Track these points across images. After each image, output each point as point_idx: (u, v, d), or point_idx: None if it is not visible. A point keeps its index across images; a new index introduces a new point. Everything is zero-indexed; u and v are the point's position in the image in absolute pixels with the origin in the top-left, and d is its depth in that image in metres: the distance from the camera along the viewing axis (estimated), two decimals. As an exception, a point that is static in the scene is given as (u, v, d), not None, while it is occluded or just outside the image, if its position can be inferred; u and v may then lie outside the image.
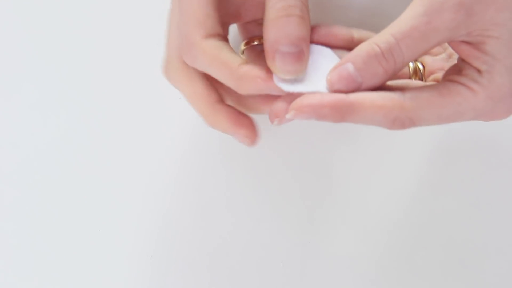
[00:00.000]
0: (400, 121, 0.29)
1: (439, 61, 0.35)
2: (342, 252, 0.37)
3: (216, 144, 0.38)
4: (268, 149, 0.38)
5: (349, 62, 0.28)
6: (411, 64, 0.35)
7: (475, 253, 0.37)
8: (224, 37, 0.31)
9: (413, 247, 0.37)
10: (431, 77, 0.35)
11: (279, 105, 0.29)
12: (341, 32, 0.34)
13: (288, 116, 0.29)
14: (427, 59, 0.35)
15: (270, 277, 0.37)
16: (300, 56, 0.29)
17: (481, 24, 0.27)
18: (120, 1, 0.41)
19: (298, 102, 0.28)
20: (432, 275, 0.37)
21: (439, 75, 0.34)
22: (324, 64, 0.31)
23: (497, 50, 0.28)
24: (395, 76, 0.30)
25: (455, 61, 0.31)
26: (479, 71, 0.29)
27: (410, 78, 0.35)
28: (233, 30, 0.34)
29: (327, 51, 0.32)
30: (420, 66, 0.35)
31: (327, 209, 0.38)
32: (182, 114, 0.39)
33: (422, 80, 0.35)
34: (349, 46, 0.34)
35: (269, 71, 0.29)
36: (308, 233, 0.37)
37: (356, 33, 0.35)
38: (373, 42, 0.28)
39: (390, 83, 0.32)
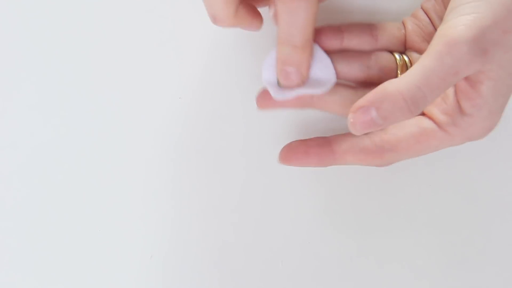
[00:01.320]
0: (381, 165, 0.33)
1: None
2: (342, 252, 0.37)
3: (216, 143, 0.39)
4: (268, 148, 0.38)
5: (372, 107, 0.27)
6: (397, 57, 0.35)
7: (475, 253, 0.37)
8: None
9: (413, 247, 0.37)
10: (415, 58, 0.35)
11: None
12: (330, 28, 0.35)
13: (279, 162, 0.34)
14: (414, 55, 0.36)
15: (270, 277, 0.37)
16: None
17: (489, 63, 0.27)
18: (120, 1, 0.41)
19: (284, 154, 0.34)
20: (432, 275, 0.37)
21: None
22: (314, 63, 0.32)
23: (491, 93, 0.28)
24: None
25: None
26: (462, 112, 0.29)
27: (397, 72, 0.35)
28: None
29: (315, 47, 0.33)
30: (406, 59, 0.35)
31: (327, 209, 0.38)
32: (182, 114, 0.39)
33: None
34: (338, 41, 0.35)
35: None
36: (308, 233, 0.37)
37: (344, 27, 0.35)
38: (398, 91, 0.27)
39: None
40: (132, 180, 0.39)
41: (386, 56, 0.35)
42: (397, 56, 0.35)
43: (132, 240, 0.38)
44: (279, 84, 0.33)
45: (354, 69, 0.34)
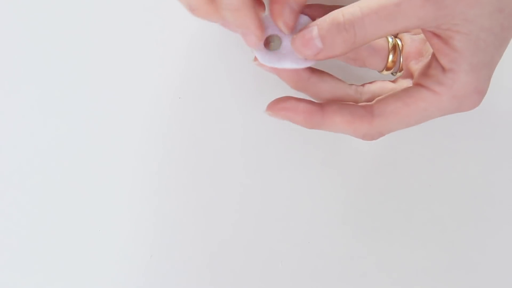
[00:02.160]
0: (370, 135, 0.31)
1: (417, 42, 0.35)
2: (342, 252, 0.37)
3: (216, 143, 0.39)
4: (268, 148, 0.38)
5: (316, 26, 0.29)
6: (390, 39, 0.35)
7: (475, 253, 0.37)
8: None
9: (413, 247, 0.37)
10: (410, 66, 0.35)
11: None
12: (321, 5, 0.35)
13: (265, 113, 0.32)
14: (406, 37, 0.36)
15: (270, 277, 0.37)
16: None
17: (450, 18, 0.28)
18: (121, 1, 0.41)
19: (274, 104, 0.31)
20: (432, 275, 0.37)
21: (415, 64, 0.35)
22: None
23: (465, 47, 0.28)
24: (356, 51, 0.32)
25: (430, 48, 0.32)
26: (443, 69, 0.29)
27: (388, 53, 0.35)
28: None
29: (304, 19, 0.33)
30: (399, 43, 0.35)
31: (327, 209, 0.38)
32: (183, 113, 0.39)
33: (400, 57, 0.35)
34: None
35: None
36: (308, 233, 0.37)
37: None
38: (341, 11, 0.28)
39: (362, 88, 0.33)
40: (132, 180, 0.39)
41: None
42: (389, 39, 0.35)
43: (132, 240, 0.38)
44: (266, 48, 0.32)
45: None
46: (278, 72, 0.33)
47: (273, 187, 0.38)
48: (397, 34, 0.36)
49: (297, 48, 0.30)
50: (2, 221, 0.39)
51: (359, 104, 0.32)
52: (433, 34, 0.29)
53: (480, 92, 0.30)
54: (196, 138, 0.39)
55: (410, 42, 0.35)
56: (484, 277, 0.37)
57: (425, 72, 0.30)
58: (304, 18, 0.32)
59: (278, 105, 0.31)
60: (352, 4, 0.28)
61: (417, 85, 0.30)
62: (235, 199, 0.38)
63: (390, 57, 0.35)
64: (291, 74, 0.33)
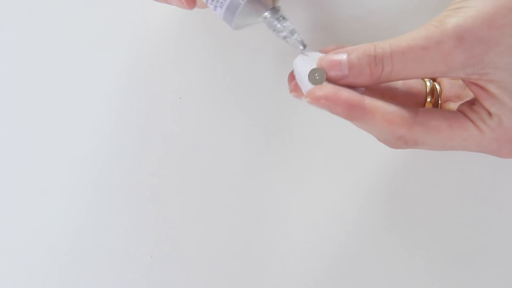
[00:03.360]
0: (404, 139, 0.30)
1: (456, 87, 0.35)
2: (342, 252, 0.37)
3: (216, 143, 0.39)
4: (269, 148, 0.38)
5: (346, 53, 0.29)
6: (428, 83, 0.35)
7: (475, 253, 0.37)
8: None
9: (413, 247, 0.37)
10: (447, 105, 0.35)
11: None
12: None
13: (304, 101, 0.30)
14: (445, 81, 0.35)
15: (270, 277, 0.37)
16: None
17: (479, 68, 0.27)
18: (121, 1, 0.41)
19: (315, 91, 0.30)
20: (432, 275, 0.37)
21: (455, 105, 0.34)
22: None
23: (503, 94, 0.28)
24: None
25: (470, 92, 0.32)
26: (489, 113, 0.29)
27: (426, 97, 0.35)
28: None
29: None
30: (438, 87, 0.35)
31: (327, 209, 0.38)
32: (183, 113, 0.39)
33: (437, 101, 0.35)
34: None
35: None
36: (308, 233, 0.37)
37: None
38: (373, 44, 0.29)
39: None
40: (132, 180, 0.39)
41: (416, 79, 0.35)
42: (427, 82, 0.35)
43: (132, 240, 0.38)
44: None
45: (382, 86, 0.34)
46: (334, 100, 0.30)
47: (273, 187, 0.38)
48: (436, 78, 0.36)
49: (323, 66, 0.30)
50: (2, 221, 0.39)
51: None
52: (470, 83, 0.29)
53: None
54: (196, 138, 0.39)
55: (449, 87, 0.35)
56: (484, 277, 0.37)
57: (471, 107, 0.30)
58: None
59: (318, 92, 0.29)
60: (386, 40, 0.28)
61: (463, 114, 0.30)
62: (235, 199, 0.38)
63: (428, 99, 0.34)
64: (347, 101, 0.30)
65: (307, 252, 0.37)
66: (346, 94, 0.29)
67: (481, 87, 0.29)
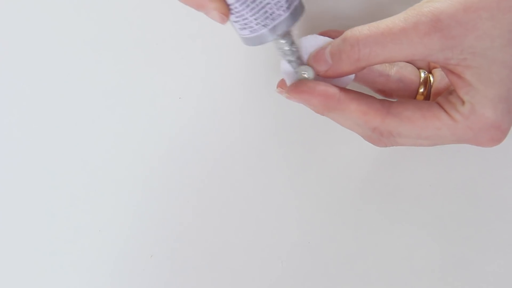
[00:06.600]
0: (379, 131, 0.31)
1: (446, 79, 0.35)
2: (342, 252, 0.37)
3: (216, 143, 0.39)
4: (268, 148, 0.38)
5: (330, 44, 0.30)
6: (423, 74, 0.35)
7: (475, 253, 0.37)
8: None
9: (413, 247, 0.37)
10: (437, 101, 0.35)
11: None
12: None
13: (283, 95, 0.32)
14: (437, 73, 0.35)
15: (270, 277, 0.37)
16: None
17: (458, 52, 0.27)
18: (121, 2, 0.41)
19: (292, 86, 0.31)
20: (432, 275, 0.37)
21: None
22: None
23: (477, 80, 0.28)
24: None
25: None
26: (462, 101, 0.29)
27: (418, 87, 0.35)
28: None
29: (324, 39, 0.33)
30: (432, 79, 0.35)
31: (327, 209, 0.38)
32: (182, 113, 0.39)
33: (429, 93, 0.35)
34: None
35: None
36: (308, 233, 0.37)
37: None
38: (350, 29, 0.29)
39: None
40: (132, 180, 0.39)
41: (410, 68, 0.35)
42: (422, 73, 0.35)
43: (132, 240, 0.38)
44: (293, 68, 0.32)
45: (374, 73, 0.34)
46: (309, 95, 0.32)
47: (273, 187, 0.38)
48: (430, 69, 0.36)
49: (311, 64, 0.31)
50: (2, 221, 0.39)
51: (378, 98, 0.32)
52: (449, 70, 0.29)
53: (498, 127, 0.29)
54: (196, 138, 0.39)
55: (440, 78, 0.35)
56: (484, 277, 0.37)
57: (447, 97, 0.30)
58: (324, 40, 0.32)
59: (296, 88, 0.31)
60: (365, 24, 0.29)
61: (438, 104, 0.30)
62: (235, 199, 0.38)
63: (420, 90, 0.35)
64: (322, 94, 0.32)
65: (307, 252, 0.37)
66: (322, 87, 0.31)
67: (458, 75, 0.29)
